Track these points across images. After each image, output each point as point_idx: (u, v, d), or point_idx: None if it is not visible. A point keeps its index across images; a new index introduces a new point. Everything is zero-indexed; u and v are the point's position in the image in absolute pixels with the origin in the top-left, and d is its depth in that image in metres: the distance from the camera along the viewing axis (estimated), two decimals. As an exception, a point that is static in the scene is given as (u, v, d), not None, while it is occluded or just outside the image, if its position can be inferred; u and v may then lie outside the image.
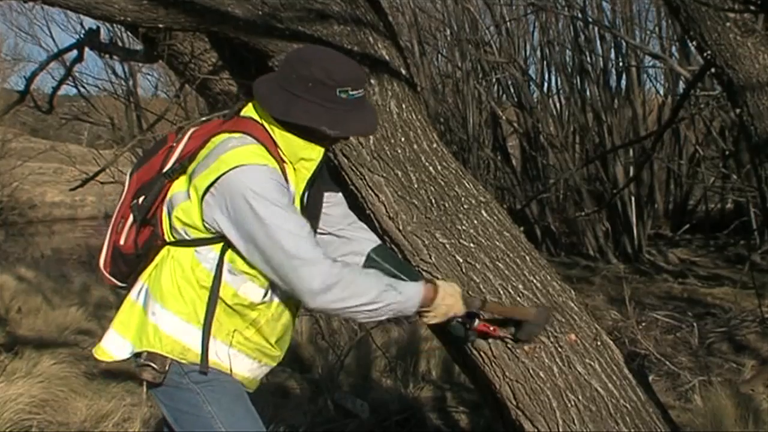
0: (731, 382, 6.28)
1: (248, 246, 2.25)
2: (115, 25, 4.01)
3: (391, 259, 2.66)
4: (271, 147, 2.31)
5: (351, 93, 2.30)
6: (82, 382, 6.20)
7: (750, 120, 2.71)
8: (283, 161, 2.33)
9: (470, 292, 2.82)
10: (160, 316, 2.34)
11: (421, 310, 2.45)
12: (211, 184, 2.24)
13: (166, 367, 2.35)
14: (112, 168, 7.84)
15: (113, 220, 2.47)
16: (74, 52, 3.75)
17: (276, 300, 2.41)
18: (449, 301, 2.48)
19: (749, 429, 5.06)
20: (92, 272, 14.59)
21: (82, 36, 3.71)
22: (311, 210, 2.46)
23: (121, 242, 2.42)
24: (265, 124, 2.35)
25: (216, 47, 3.43)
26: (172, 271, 2.34)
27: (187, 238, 2.33)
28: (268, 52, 2.89)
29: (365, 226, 2.72)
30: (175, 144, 2.44)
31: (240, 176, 2.21)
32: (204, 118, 2.64)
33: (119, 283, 2.51)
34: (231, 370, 2.40)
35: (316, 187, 2.48)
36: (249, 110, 2.41)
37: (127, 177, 2.50)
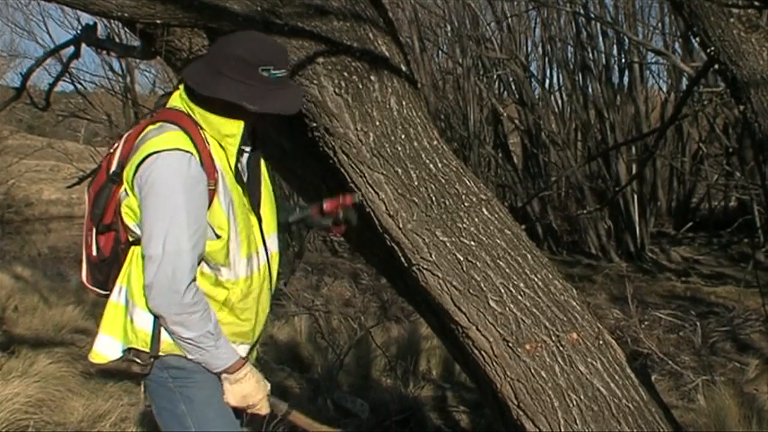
0: (735, 382, 6.27)
1: (146, 225, 2.35)
2: (112, 21, 3.97)
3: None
4: (192, 130, 2.40)
5: (273, 72, 2.41)
6: (78, 381, 6.18)
7: (754, 117, 2.68)
8: (207, 142, 2.43)
9: (471, 291, 2.80)
10: (134, 312, 2.45)
11: (224, 377, 2.50)
12: (134, 174, 2.35)
13: (148, 360, 2.47)
14: (110, 165, 7.83)
15: (83, 234, 2.59)
16: (71, 49, 3.73)
17: (243, 275, 2.51)
18: (248, 389, 2.53)
19: (753, 429, 5.04)
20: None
21: (79, 32, 3.69)
22: (252, 182, 2.58)
23: (93, 253, 2.55)
24: (186, 109, 2.46)
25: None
26: (138, 268, 2.44)
27: (140, 233, 2.42)
28: (267, 48, 2.86)
29: None
30: (113, 150, 2.54)
31: (155, 161, 2.32)
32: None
33: (103, 292, 2.62)
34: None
35: (255, 162, 2.62)
36: (173, 99, 2.51)
37: (86, 193, 2.60)
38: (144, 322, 2.44)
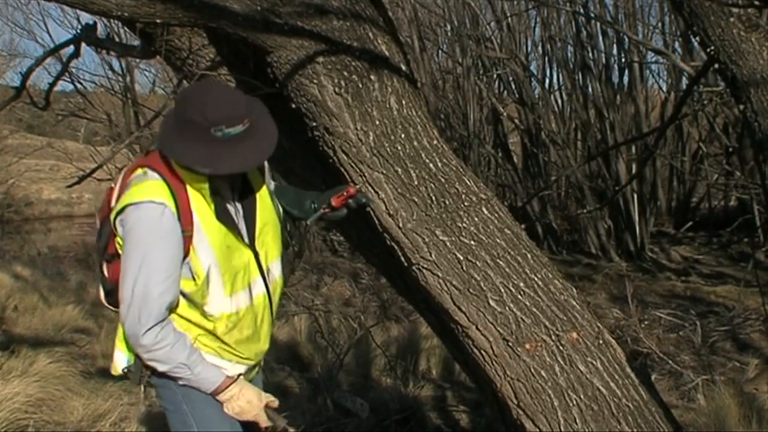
0: (734, 381, 6.27)
1: (123, 270, 2.50)
2: (112, 20, 3.97)
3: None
4: (171, 178, 2.50)
5: (226, 131, 2.42)
6: (78, 381, 6.19)
7: (754, 116, 2.68)
8: (186, 189, 2.51)
9: (471, 290, 2.80)
10: None
11: (220, 397, 2.63)
12: (115, 219, 2.51)
13: (141, 372, 2.65)
14: (109, 165, 7.82)
15: (97, 259, 2.79)
16: (71, 48, 3.71)
17: (226, 312, 2.62)
18: (242, 405, 2.65)
19: (752, 428, 5.04)
20: (89, 270, 14.60)
21: (78, 31, 3.67)
22: (247, 217, 2.68)
23: (105, 274, 2.73)
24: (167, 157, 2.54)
25: (214, 43, 3.40)
26: None
27: None
28: (267, 48, 2.87)
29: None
30: (113, 185, 2.66)
31: (132, 212, 2.46)
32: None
33: (116, 309, 2.70)
34: None
35: (249, 197, 2.70)
36: None
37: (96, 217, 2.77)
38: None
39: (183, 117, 2.45)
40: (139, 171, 2.55)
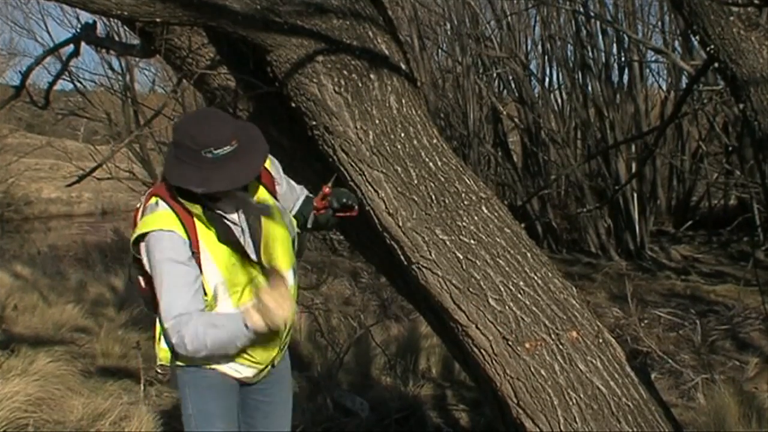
0: (734, 380, 6.26)
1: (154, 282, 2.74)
2: (111, 19, 3.98)
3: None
4: (177, 207, 2.72)
5: (215, 152, 2.62)
6: (78, 380, 6.18)
7: (753, 115, 2.68)
8: (191, 214, 2.73)
9: (470, 289, 2.81)
10: (159, 334, 2.87)
11: (258, 325, 2.63)
12: (134, 245, 2.77)
13: (168, 372, 2.94)
14: (108, 164, 7.82)
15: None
16: (70, 47, 3.72)
17: None
18: (264, 316, 2.60)
19: (752, 427, 5.03)
20: (89, 269, 14.60)
21: (78, 30, 3.68)
22: (252, 233, 2.82)
23: (142, 285, 2.92)
24: (172, 186, 2.75)
25: (214, 42, 3.41)
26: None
27: None
28: (267, 47, 2.87)
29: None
30: (139, 205, 2.89)
31: (147, 242, 2.72)
32: None
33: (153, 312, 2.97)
34: (214, 369, 2.87)
35: (253, 215, 2.84)
36: None
37: None
38: (165, 343, 2.84)
39: (177, 143, 2.68)
40: (152, 201, 2.76)
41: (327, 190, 2.98)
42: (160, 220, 2.71)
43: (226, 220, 2.79)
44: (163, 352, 2.89)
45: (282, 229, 2.88)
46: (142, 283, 2.90)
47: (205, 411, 2.88)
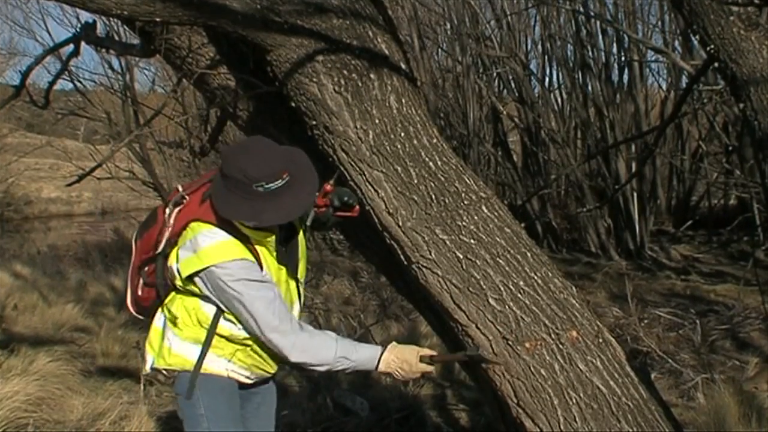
0: (734, 380, 6.25)
1: (238, 314, 2.81)
2: (111, 18, 3.98)
3: None
4: (238, 234, 2.75)
5: (266, 186, 2.63)
6: (78, 379, 6.19)
7: (753, 115, 2.68)
8: (252, 242, 2.79)
9: (470, 289, 2.80)
10: (173, 341, 2.92)
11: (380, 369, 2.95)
12: (196, 273, 2.76)
13: (175, 374, 2.96)
14: (108, 163, 7.81)
15: (129, 275, 3.07)
16: (70, 47, 3.72)
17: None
18: (401, 364, 2.94)
19: (752, 427, 5.03)
20: (88, 269, 14.59)
21: (78, 30, 3.68)
22: (292, 255, 2.97)
23: (139, 293, 3.02)
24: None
25: (214, 41, 3.41)
26: (179, 309, 2.89)
27: (188, 291, 2.87)
28: (267, 46, 2.87)
29: None
30: (165, 225, 2.89)
31: (218, 272, 2.73)
32: (190, 183, 3.06)
33: (141, 317, 3.12)
34: (228, 376, 2.93)
35: (293, 241, 2.98)
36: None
37: (133, 242, 3.05)
38: (183, 350, 2.90)
39: (226, 176, 2.67)
40: (205, 228, 2.76)
41: (329, 187, 3.00)
42: (230, 250, 2.75)
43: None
44: (174, 358, 2.92)
45: (305, 249, 3.07)
46: (140, 292, 3.00)
47: (217, 412, 2.92)
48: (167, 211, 2.90)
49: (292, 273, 2.97)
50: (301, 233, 3.01)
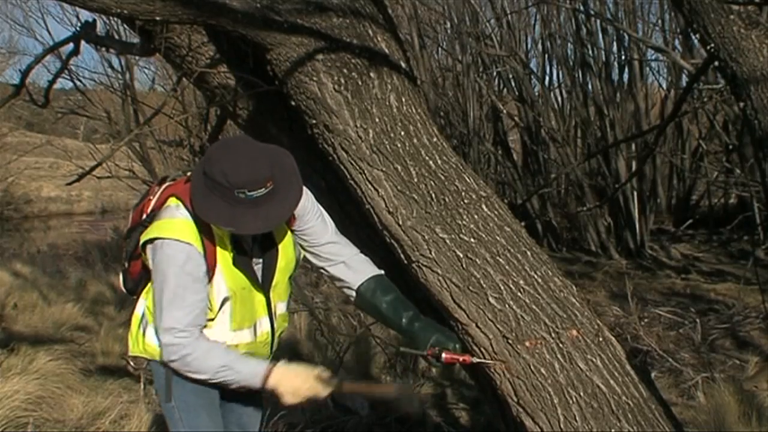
0: (734, 379, 6.25)
1: (154, 293, 2.72)
2: (111, 17, 3.98)
3: (383, 293, 2.98)
4: (201, 221, 2.64)
5: (249, 193, 2.53)
6: (78, 378, 6.19)
7: (754, 114, 2.68)
8: (212, 228, 2.67)
9: (470, 288, 2.80)
10: (147, 329, 2.85)
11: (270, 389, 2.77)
12: (144, 243, 2.70)
13: (143, 365, 2.92)
14: (108, 162, 7.81)
15: (123, 246, 2.97)
16: (70, 45, 3.72)
17: (228, 341, 2.80)
18: (294, 386, 2.75)
19: (752, 426, 5.03)
20: (88, 268, 14.58)
21: (78, 29, 3.68)
22: (266, 262, 2.84)
23: (126, 265, 2.93)
24: None
25: (213, 40, 3.40)
26: (149, 295, 2.82)
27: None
28: (267, 45, 2.86)
29: (367, 259, 3.03)
30: (151, 197, 2.83)
31: (160, 247, 2.64)
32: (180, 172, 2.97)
33: (131, 295, 3.01)
34: None
35: (270, 244, 2.84)
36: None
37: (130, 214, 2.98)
38: (155, 340, 2.80)
39: (208, 176, 2.57)
40: (173, 202, 2.70)
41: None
42: (179, 229, 2.64)
43: (244, 245, 2.77)
44: (151, 348, 2.84)
45: (292, 264, 2.93)
46: (132, 266, 2.90)
47: (188, 402, 2.86)
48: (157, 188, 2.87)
49: (258, 285, 2.82)
50: (291, 247, 2.90)
